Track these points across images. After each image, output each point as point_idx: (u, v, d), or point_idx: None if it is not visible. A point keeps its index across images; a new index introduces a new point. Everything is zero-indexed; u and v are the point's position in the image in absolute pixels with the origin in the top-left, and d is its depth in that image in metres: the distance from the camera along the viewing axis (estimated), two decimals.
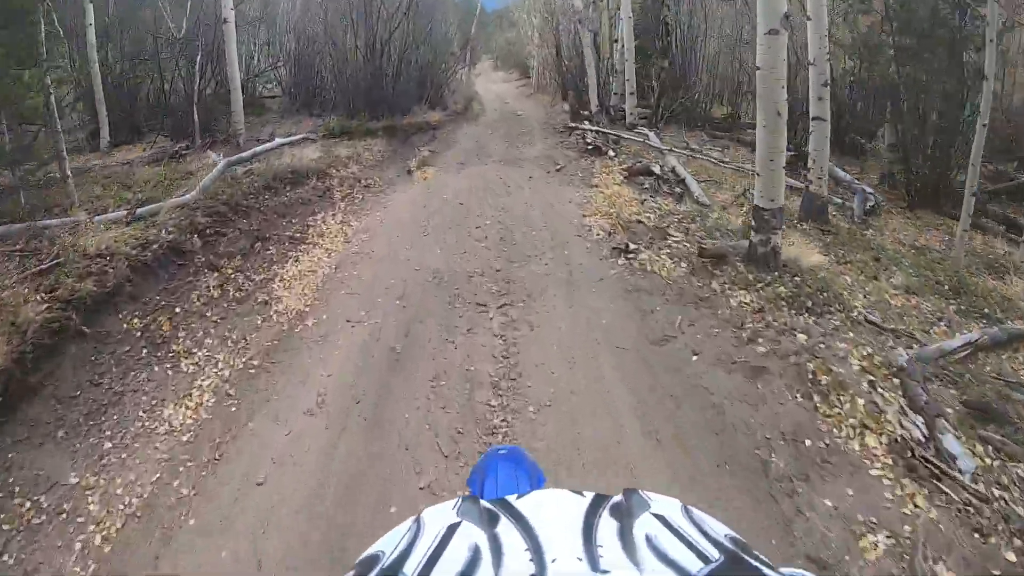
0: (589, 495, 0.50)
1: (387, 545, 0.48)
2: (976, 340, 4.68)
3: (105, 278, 4.76)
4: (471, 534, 0.44)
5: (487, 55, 55.15)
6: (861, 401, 3.78)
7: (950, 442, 3.47)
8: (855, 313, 5.01)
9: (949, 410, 3.74)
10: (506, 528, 0.45)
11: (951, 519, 3.03)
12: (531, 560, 0.40)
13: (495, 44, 51.88)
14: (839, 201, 9.32)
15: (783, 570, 0.42)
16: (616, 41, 14.24)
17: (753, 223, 5.79)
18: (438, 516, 0.50)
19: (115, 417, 4.04)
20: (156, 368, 4.62)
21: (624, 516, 0.45)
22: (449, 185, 9.91)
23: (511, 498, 0.51)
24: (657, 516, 0.45)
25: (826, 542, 2.95)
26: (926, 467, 3.36)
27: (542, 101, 23.78)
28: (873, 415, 3.69)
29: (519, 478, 0.89)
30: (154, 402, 4.32)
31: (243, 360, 4.95)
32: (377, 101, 13.82)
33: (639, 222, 6.91)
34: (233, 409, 4.31)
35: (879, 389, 3.89)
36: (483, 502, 0.50)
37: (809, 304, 5.04)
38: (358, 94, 13.70)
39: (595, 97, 13.79)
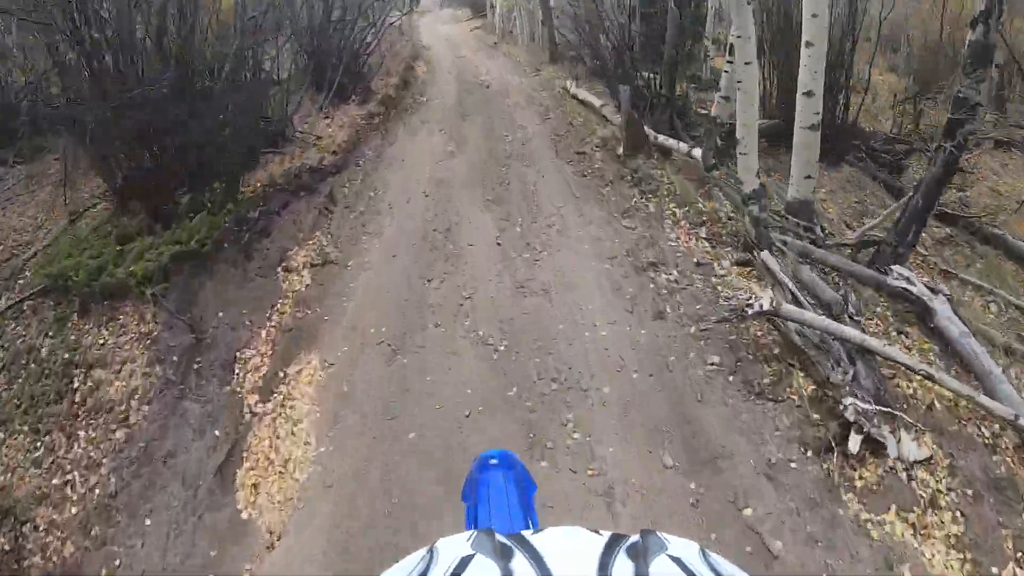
0: (606, 535, 0.47)
1: (399, 574, 0.46)
2: None
3: None
4: (484, 567, 0.42)
5: None
6: None
7: None
8: None
9: None
10: (520, 564, 0.42)
11: None
12: None
13: None
14: None
15: None
16: None
17: None
18: (452, 547, 0.46)
19: None
20: None
21: (640, 557, 0.42)
22: None
23: (526, 533, 0.48)
24: (674, 559, 0.42)
25: None
26: None
27: (516, 57, 15.48)
28: None
29: (508, 491, 0.88)
30: None
31: None
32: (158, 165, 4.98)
33: None
34: None
35: None
36: (498, 536, 0.47)
37: None
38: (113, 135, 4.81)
39: (753, 155, 4.61)
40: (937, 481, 2.86)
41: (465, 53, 16.80)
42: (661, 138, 6.06)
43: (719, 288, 4.02)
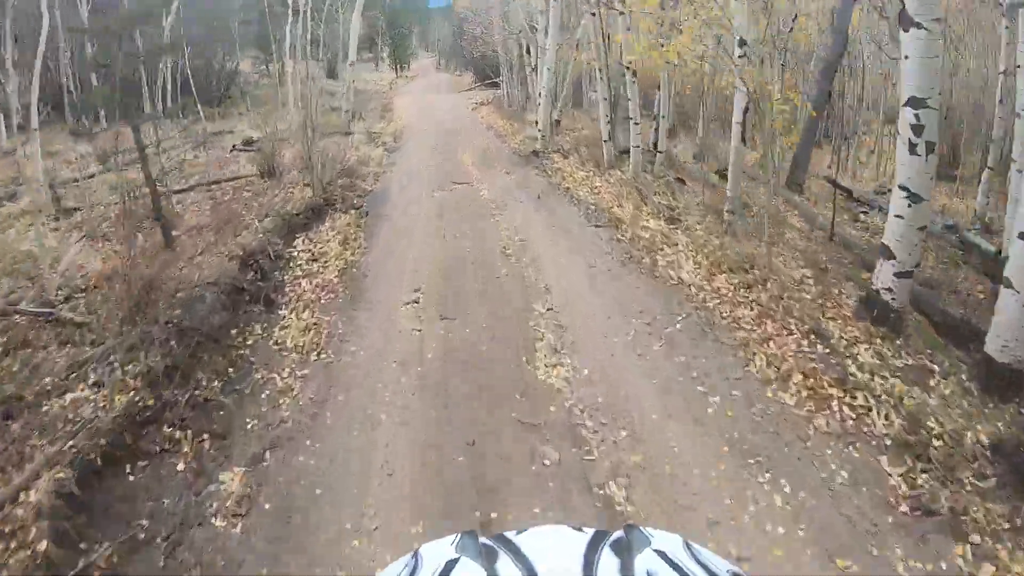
0: (589, 531, 0.46)
1: None
2: None
3: None
4: (470, 570, 0.41)
5: (429, 53, 39.17)
6: None
7: None
8: None
9: None
10: (505, 565, 0.41)
11: None
12: None
13: (437, 36, 36.17)
14: None
15: None
16: None
17: None
18: (436, 552, 0.45)
19: None
20: None
21: (625, 552, 0.42)
22: None
23: (510, 534, 0.46)
24: (659, 552, 0.42)
25: None
26: None
27: (648, 237, 4.13)
28: None
29: None
30: None
31: None
32: None
33: None
34: None
35: None
36: (482, 538, 0.45)
37: None
38: None
39: None
40: None
41: (471, 168, 6.52)
42: None
43: None
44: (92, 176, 5.57)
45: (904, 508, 1.95)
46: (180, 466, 2.27)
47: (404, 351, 3.00)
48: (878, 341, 2.76)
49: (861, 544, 1.84)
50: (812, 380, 2.54)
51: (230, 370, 2.84)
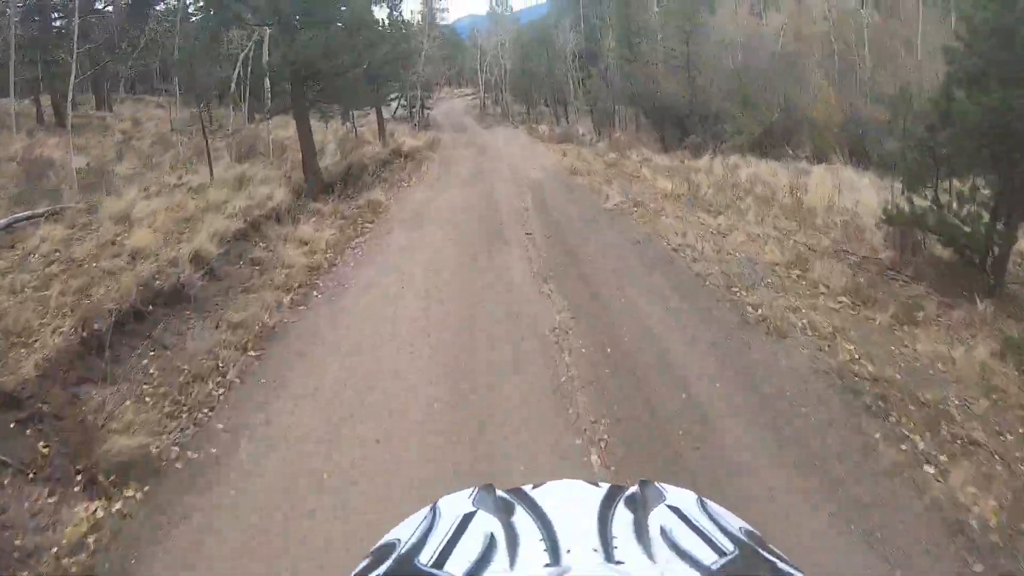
0: (604, 486, 0.46)
1: (403, 533, 0.44)
2: None
3: None
4: (487, 523, 0.41)
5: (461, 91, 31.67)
6: None
7: None
8: None
9: None
10: (521, 518, 0.41)
11: None
12: (545, 550, 0.37)
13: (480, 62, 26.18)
14: None
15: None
16: None
17: None
18: (454, 505, 0.46)
19: None
20: None
21: (639, 508, 0.42)
22: None
23: (526, 488, 0.47)
24: (672, 508, 0.42)
25: None
26: None
27: None
28: None
29: None
30: None
31: None
32: None
33: None
34: None
35: None
36: (499, 491, 0.46)
37: None
38: None
39: None
40: None
41: None
42: None
43: None
44: None
45: None
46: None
47: None
48: None
49: None
50: None
51: None
